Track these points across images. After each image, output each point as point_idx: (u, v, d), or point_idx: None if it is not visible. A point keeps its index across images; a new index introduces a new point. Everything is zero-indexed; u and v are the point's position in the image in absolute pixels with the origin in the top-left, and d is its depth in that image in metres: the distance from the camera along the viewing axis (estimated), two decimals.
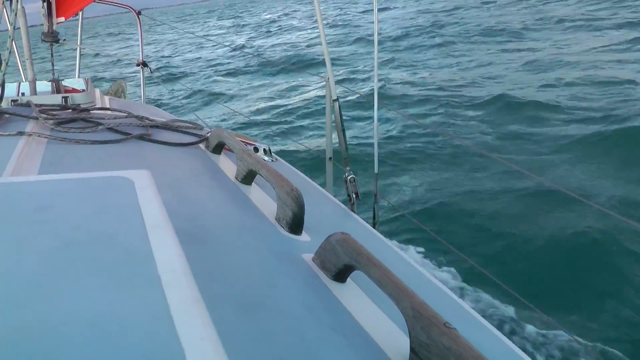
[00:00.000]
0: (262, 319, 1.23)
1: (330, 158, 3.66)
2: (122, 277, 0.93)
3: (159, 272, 0.94)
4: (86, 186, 1.36)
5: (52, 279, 0.92)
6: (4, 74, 2.61)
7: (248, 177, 2.29)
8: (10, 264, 0.96)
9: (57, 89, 4.39)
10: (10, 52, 2.68)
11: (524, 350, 1.70)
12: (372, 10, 3.12)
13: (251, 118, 11.57)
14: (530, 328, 4.46)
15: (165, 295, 0.87)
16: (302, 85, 14.80)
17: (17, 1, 2.53)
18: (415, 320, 1.23)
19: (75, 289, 0.89)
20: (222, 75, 18.17)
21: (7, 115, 2.71)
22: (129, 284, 0.91)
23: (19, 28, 3.66)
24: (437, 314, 1.22)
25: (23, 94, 4.18)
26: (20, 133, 2.44)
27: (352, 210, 2.90)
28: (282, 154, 3.55)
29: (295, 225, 1.88)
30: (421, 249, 5.71)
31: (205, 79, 17.84)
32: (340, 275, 1.57)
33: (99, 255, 1.00)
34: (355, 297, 1.53)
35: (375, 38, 3.30)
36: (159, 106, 9.16)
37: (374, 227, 3.31)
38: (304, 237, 1.88)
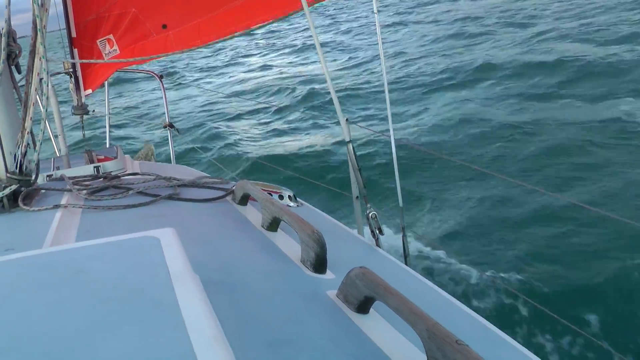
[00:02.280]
0: (288, 354, 1.31)
1: (357, 197, 3.74)
2: (151, 326, 1.02)
3: (183, 317, 1.03)
4: (117, 248, 1.47)
5: (89, 334, 1.01)
6: (38, 154, 2.76)
7: (273, 224, 2.37)
8: (53, 324, 1.07)
9: (91, 159, 4.57)
10: (43, 132, 2.83)
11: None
12: None
13: (275, 164, 11.71)
14: None
15: (189, 336, 0.97)
16: (323, 128, 14.95)
17: (47, 85, 2.68)
18: (430, 341, 1.30)
19: (110, 341, 0.98)
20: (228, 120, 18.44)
21: (43, 191, 2.85)
22: (157, 330, 1.00)
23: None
24: (451, 333, 1.28)
25: (58, 168, 4.35)
26: (57, 206, 2.55)
27: (377, 245, 2.96)
28: (309, 197, 3.64)
29: (319, 264, 1.95)
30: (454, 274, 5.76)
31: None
32: (363, 307, 1.64)
33: (130, 308, 1.10)
34: (378, 326, 1.60)
35: (383, 68, 3.41)
36: (190, 164, 9.35)
37: (405, 259, 3.38)
38: (329, 275, 1.95)
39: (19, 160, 2.65)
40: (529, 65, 16.47)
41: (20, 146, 2.65)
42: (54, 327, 1.05)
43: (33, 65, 2.68)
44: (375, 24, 3.46)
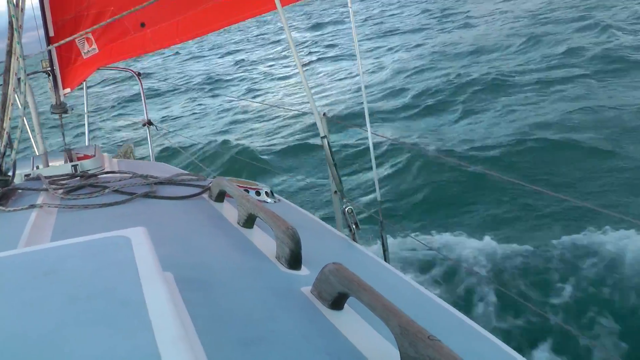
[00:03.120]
0: (261, 352, 1.33)
1: (335, 192, 3.76)
2: (118, 325, 1.03)
3: (149, 317, 1.04)
4: (89, 248, 1.47)
5: (59, 334, 1.02)
6: (16, 152, 2.75)
7: (249, 221, 2.38)
8: (23, 324, 1.07)
9: (70, 157, 4.55)
10: (21, 131, 2.81)
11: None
12: None
13: (254, 160, 11.70)
14: None
15: (154, 336, 0.97)
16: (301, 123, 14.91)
17: (25, 83, 2.67)
18: (403, 337, 1.31)
19: (79, 341, 0.99)
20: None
21: (20, 191, 2.84)
22: (124, 330, 1.01)
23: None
24: (423, 329, 1.30)
25: (38, 167, 4.33)
26: (32, 206, 2.55)
27: (354, 240, 2.99)
28: (287, 193, 3.65)
29: (294, 261, 1.97)
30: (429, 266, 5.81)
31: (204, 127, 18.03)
32: (336, 304, 1.65)
33: (99, 308, 1.10)
34: (352, 322, 1.61)
35: (359, 60, 3.43)
36: (168, 161, 9.33)
37: (383, 254, 3.40)
38: (304, 271, 1.96)
39: None
40: None
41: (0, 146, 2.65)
42: (24, 328, 1.06)
43: (10, 65, 2.67)
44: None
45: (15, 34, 2.62)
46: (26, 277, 1.31)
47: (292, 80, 22.51)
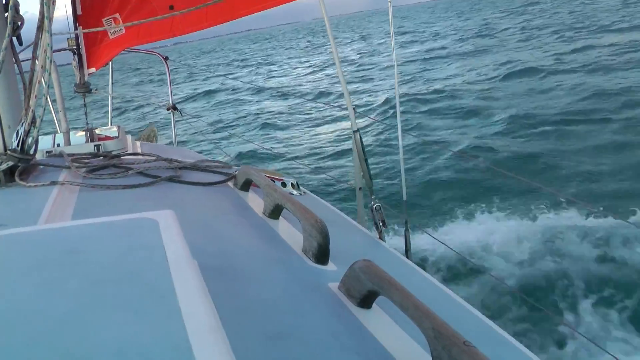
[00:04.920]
0: (288, 347, 1.27)
1: (360, 188, 3.70)
2: (145, 311, 0.98)
3: (179, 305, 0.98)
4: (114, 229, 1.42)
5: (80, 316, 0.97)
6: (38, 130, 2.70)
7: (275, 212, 2.33)
8: (42, 304, 1.02)
9: (91, 137, 4.52)
10: (45, 109, 2.76)
11: None
12: None
13: (277, 151, 11.70)
14: None
15: (185, 326, 0.92)
16: (329, 117, 14.94)
17: (51, 61, 2.61)
18: (436, 340, 1.26)
19: (102, 324, 0.94)
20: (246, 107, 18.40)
21: (41, 167, 2.79)
22: (151, 317, 0.96)
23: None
24: (458, 333, 1.24)
25: (58, 145, 4.30)
26: (54, 183, 2.51)
27: (380, 238, 2.92)
28: (312, 186, 3.60)
29: (321, 255, 1.91)
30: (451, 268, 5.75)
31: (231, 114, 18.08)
32: (365, 302, 1.60)
33: (124, 292, 1.05)
34: (381, 322, 1.56)
35: (395, 62, 3.36)
36: (190, 147, 9.34)
37: (406, 253, 3.34)
38: (331, 266, 1.91)
39: (21, 138, 2.59)
40: None
41: (24, 124, 2.59)
42: (44, 307, 1.01)
43: (40, 41, 2.62)
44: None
45: (46, 8, 2.57)
46: (47, 255, 1.26)
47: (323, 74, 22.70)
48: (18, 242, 1.38)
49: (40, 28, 2.60)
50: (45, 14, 2.57)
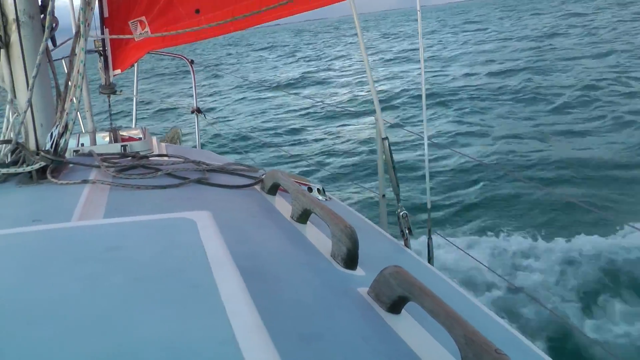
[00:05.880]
0: (321, 349, 1.29)
1: (383, 195, 3.71)
2: (190, 308, 1.00)
3: (223, 303, 1.01)
4: (151, 227, 1.45)
5: (125, 311, 1.00)
6: (71, 132, 2.75)
7: (303, 216, 2.35)
8: (86, 297, 1.05)
9: (115, 138, 4.56)
10: (78, 112, 2.81)
11: None
12: None
13: (301, 156, 11.72)
14: None
15: (230, 322, 0.94)
16: (353, 125, 14.92)
17: (84, 63, 2.66)
18: (467, 347, 1.27)
19: (147, 319, 0.97)
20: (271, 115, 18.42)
21: (71, 165, 2.84)
22: (196, 313, 0.98)
23: None
24: (489, 341, 1.26)
25: (82, 145, 4.34)
26: (85, 181, 2.55)
27: (406, 245, 2.93)
28: (335, 193, 3.63)
29: (350, 260, 1.93)
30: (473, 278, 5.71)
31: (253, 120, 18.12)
32: (395, 307, 1.62)
33: (167, 288, 1.08)
34: (410, 327, 1.57)
35: (422, 71, 3.37)
36: (212, 149, 9.38)
37: (429, 260, 3.34)
38: (359, 271, 1.93)
39: (55, 140, 2.64)
40: None
41: (58, 126, 2.64)
42: (88, 301, 1.04)
43: (77, 46, 2.67)
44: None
45: (82, 14, 2.62)
46: (87, 251, 1.30)
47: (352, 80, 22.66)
48: (57, 238, 1.41)
49: (77, 34, 2.64)
50: (82, 19, 2.62)
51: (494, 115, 15.17)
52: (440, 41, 40.39)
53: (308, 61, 36.74)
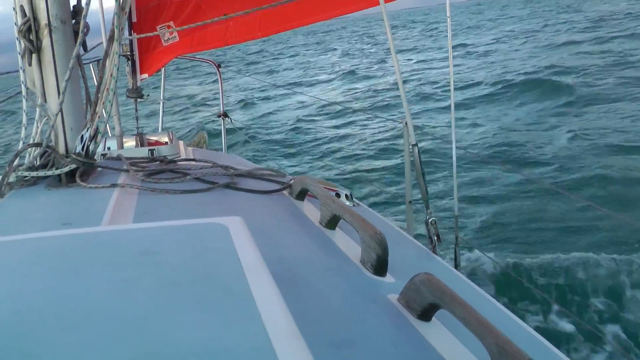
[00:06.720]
0: (352, 356, 1.29)
1: (410, 201, 3.70)
2: (224, 314, 1.00)
3: (258, 309, 1.00)
4: (184, 232, 1.46)
5: (160, 315, 1.00)
6: (102, 136, 2.77)
7: (332, 222, 2.34)
8: (121, 301, 1.05)
9: (141, 142, 4.59)
10: (109, 116, 2.84)
11: None
12: None
13: (329, 163, 11.71)
14: None
15: (266, 330, 0.94)
16: (380, 129, 14.86)
17: (116, 67, 2.69)
18: (500, 356, 1.26)
19: (182, 324, 0.97)
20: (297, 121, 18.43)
21: (99, 169, 2.86)
22: (230, 320, 0.98)
23: None
24: (521, 350, 1.24)
25: (109, 148, 4.38)
26: (114, 185, 2.57)
27: (434, 252, 2.92)
28: (363, 199, 3.62)
29: (380, 267, 1.92)
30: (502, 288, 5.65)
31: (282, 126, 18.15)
32: (425, 314, 1.61)
33: (201, 294, 1.08)
34: (441, 335, 1.56)
35: (452, 82, 3.35)
36: (239, 154, 9.42)
37: (455, 268, 3.32)
38: (389, 278, 1.92)
39: (85, 143, 2.65)
40: None
41: (89, 129, 2.66)
42: (123, 305, 1.04)
43: (111, 50, 2.69)
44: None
45: (116, 18, 2.64)
46: (119, 255, 1.30)
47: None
48: (89, 242, 1.42)
49: (111, 38, 2.67)
50: (116, 24, 2.64)
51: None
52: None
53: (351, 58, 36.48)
